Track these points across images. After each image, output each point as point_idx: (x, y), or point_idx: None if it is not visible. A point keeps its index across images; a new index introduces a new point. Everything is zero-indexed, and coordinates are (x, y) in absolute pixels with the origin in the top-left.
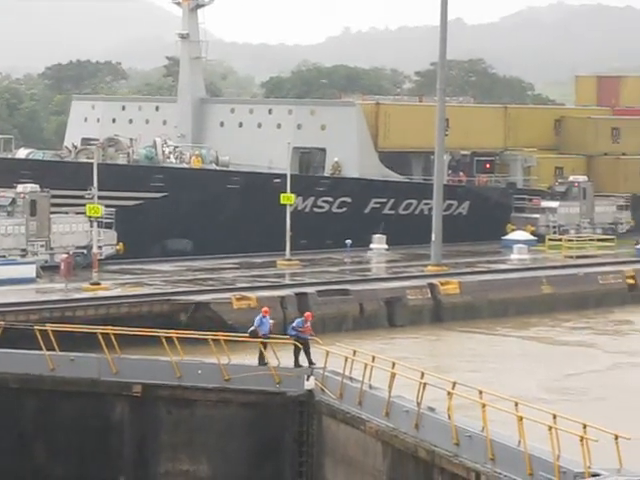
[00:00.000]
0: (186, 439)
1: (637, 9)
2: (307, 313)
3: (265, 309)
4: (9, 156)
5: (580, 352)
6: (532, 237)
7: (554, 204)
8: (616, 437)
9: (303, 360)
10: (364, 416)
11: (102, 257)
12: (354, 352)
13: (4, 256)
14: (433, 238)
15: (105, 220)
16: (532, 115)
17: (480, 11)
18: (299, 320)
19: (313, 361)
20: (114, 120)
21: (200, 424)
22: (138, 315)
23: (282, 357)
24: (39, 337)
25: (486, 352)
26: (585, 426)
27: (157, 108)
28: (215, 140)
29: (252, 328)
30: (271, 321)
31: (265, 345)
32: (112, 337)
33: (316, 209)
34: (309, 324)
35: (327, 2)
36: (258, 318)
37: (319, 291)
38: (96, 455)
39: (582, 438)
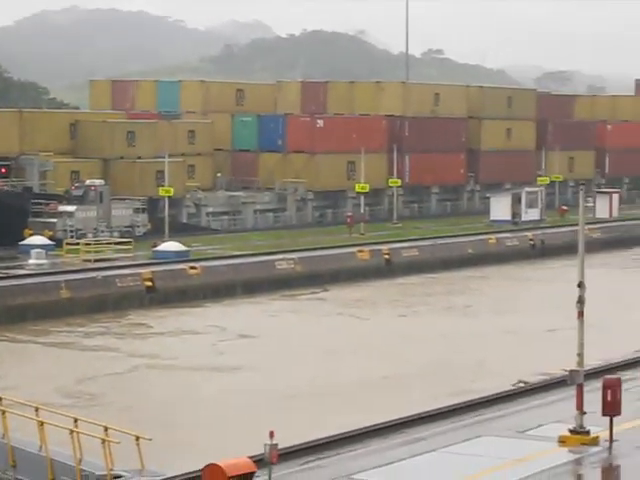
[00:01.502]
0: None
1: (149, 13)
2: None
3: None
4: None
5: (99, 356)
6: (50, 242)
7: (71, 208)
8: (137, 438)
9: None
10: None
11: None
12: None
13: None
14: None
15: None
16: (47, 119)
17: None
18: None
19: None
20: None
21: None
22: None
23: None
24: None
25: (5, 358)
26: (107, 428)
27: None
28: None
29: None
30: None
31: None
32: None
33: None
34: None
35: None
36: None
37: None
38: None
39: (104, 440)
